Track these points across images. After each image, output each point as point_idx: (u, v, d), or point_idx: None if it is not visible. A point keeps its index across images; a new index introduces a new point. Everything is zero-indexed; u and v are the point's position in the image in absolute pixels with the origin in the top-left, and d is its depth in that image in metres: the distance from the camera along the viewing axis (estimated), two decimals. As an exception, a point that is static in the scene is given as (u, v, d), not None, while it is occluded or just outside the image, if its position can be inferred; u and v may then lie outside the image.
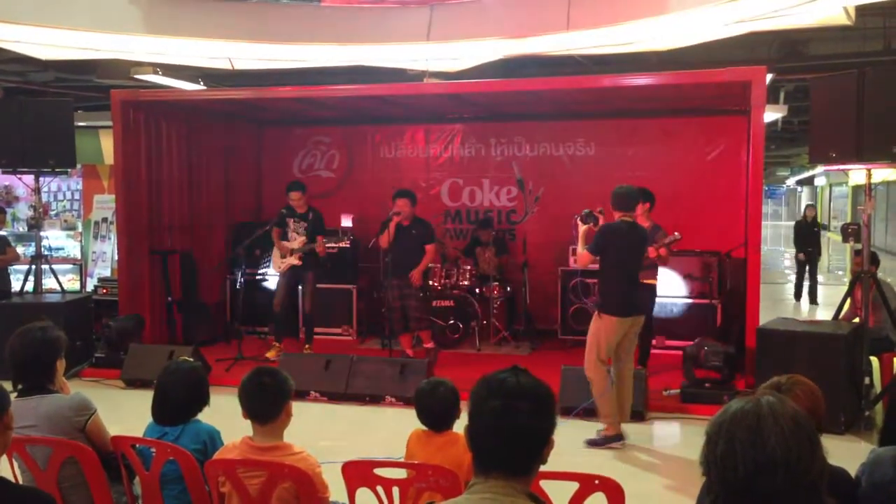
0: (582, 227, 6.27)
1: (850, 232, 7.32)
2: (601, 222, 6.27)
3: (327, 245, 8.60)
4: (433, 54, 8.35)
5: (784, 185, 41.43)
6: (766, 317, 7.24)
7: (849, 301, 7.26)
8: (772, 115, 11.80)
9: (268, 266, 9.51)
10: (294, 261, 8.51)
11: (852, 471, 2.80)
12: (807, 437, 1.59)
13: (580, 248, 6.21)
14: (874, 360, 6.89)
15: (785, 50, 9.82)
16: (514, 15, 7.88)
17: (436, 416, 3.57)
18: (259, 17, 8.24)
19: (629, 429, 6.31)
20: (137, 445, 3.47)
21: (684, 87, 8.02)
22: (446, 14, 7.91)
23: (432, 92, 8.87)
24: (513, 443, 1.91)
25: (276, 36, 8.25)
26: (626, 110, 9.61)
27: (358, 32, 8.16)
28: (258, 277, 9.86)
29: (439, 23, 7.76)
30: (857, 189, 22.37)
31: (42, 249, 9.11)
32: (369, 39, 8.20)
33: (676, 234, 7.16)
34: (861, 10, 7.13)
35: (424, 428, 3.60)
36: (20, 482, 3.37)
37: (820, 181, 34.71)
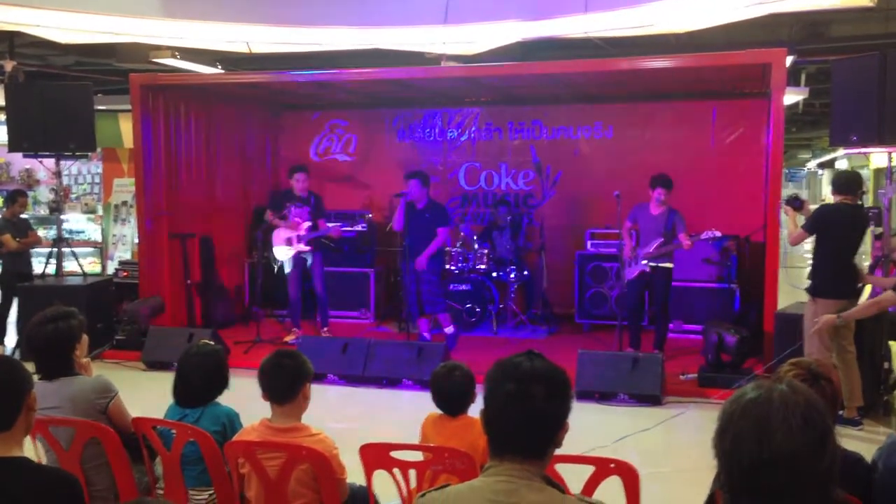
0: (792, 212, 6.34)
1: (872, 216, 7.25)
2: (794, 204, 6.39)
3: (343, 230, 8.59)
4: (450, 37, 8.31)
5: (805, 168, 40.93)
6: (784, 301, 7.21)
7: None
8: (793, 97, 11.68)
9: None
10: (302, 247, 8.50)
11: (870, 455, 2.79)
12: (816, 434, 1.55)
13: (793, 228, 6.26)
14: (893, 344, 6.84)
15: (806, 31, 9.70)
16: (531, -3, 7.83)
17: (451, 400, 3.59)
18: (276, 0, 8.24)
19: (644, 412, 6.31)
20: (158, 427, 3.52)
21: (703, 69, 7.94)
22: (463, -4, 7.88)
23: (449, 75, 8.83)
24: (527, 426, 1.93)
25: (293, 19, 8.25)
26: (644, 93, 9.53)
27: (375, 15, 8.14)
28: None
29: (456, 6, 7.73)
30: (878, 172, 22.11)
31: (63, 233, 9.20)
32: (386, 22, 8.19)
33: (716, 232, 7.33)
34: (884, -9, 7.03)
35: (440, 412, 3.63)
36: (44, 462, 3.43)
37: (841, 164, 34.28)
